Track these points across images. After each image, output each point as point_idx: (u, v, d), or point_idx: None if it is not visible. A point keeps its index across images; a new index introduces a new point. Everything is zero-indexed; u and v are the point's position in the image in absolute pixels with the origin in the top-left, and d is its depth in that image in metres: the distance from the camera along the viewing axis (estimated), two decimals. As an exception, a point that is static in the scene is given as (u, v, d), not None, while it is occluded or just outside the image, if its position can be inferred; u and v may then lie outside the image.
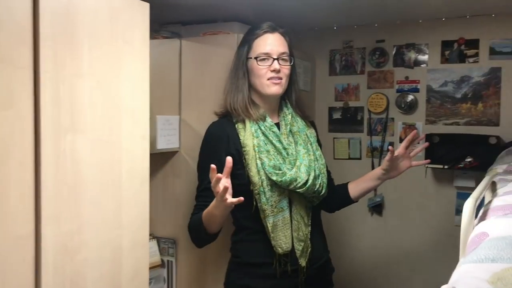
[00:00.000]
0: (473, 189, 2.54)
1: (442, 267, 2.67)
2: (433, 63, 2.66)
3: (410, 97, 2.71)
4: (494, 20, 2.48)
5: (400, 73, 2.74)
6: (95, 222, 1.42)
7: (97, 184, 1.42)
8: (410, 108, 2.72)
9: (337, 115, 2.91)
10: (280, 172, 1.68)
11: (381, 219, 2.83)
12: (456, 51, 2.59)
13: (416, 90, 2.71)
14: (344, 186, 2.00)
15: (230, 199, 1.53)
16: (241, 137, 1.74)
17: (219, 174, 1.50)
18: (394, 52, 2.76)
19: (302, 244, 1.75)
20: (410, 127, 2.73)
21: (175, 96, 2.28)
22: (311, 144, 1.85)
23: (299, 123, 1.87)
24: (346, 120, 2.88)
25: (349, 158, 2.88)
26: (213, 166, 1.52)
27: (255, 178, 1.69)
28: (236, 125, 1.78)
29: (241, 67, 1.80)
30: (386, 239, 2.82)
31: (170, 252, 2.31)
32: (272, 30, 1.79)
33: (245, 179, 1.72)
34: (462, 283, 0.75)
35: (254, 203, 1.72)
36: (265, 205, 1.69)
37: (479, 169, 2.46)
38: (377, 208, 2.83)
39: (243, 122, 1.77)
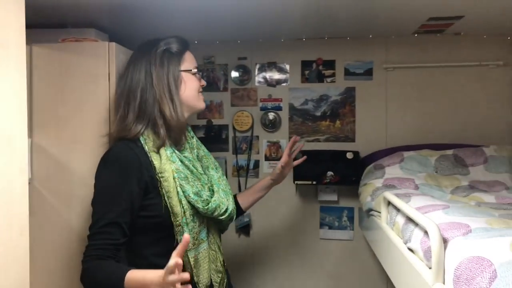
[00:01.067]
0: (335, 202, 2.71)
1: (309, 280, 2.73)
2: (294, 82, 2.73)
3: (272, 115, 2.73)
4: (348, 43, 2.66)
5: (263, 91, 2.74)
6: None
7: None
8: (274, 126, 2.73)
9: (200, 134, 2.76)
10: (203, 199, 1.54)
11: (249, 239, 2.77)
12: (315, 71, 2.71)
13: (279, 108, 2.74)
14: (235, 200, 1.95)
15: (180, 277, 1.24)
16: (155, 163, 1.53)
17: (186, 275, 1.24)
18: (256, 70, 2.75)
19: (220, 275, 1.64)
20: (274, 144, 2.74)
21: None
22: (217, 168, 1.75)
23: (203, 148, 1.78)
24: (210, 138, 2.75)
25: (214, 179, 2.75)
26: (186, 236, 1.25)
27: (176, 208, 1.50)
28: (145, 147, 1.55)
29: (173, 81, 1.61)
30: (254, 258, 2.77)
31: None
32: (189, 47, 1.74)
33: (160, 210, 1.51)
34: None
35: (178, 237, 1.52)
36: None
37: (340, 183, 2.61)
38: (244, 229, 2.76)
39: (157, 147, 1.56)
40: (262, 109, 2.74)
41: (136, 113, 1.57)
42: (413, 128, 2.65)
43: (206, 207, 1.54)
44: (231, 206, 1.66)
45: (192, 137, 1.73)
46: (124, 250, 1.54)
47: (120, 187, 1.47)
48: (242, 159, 2.76)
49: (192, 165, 1.59)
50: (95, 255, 1.44)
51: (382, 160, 2.34)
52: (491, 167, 2.17)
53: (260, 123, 2.74)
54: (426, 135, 2.62)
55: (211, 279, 1.60)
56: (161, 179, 1.51)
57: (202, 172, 1.63)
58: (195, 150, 1.70)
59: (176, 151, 1.58)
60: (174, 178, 1.51)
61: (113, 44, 1.84)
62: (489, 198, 1.76)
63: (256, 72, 2.75)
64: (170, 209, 1.50)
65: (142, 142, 1.55)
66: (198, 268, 1.55)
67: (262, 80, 2.75)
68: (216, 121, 2.77)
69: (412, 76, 2.66)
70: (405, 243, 1.47)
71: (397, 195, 1.74)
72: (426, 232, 1.29)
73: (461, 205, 1.54)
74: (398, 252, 1.50)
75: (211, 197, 1.58)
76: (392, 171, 2.21)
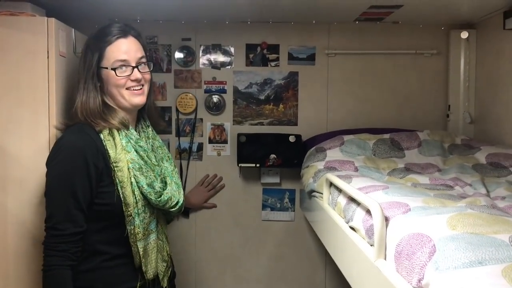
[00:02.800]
0: (278, 184, 2.76)
1: (251, 261, 2.78)
2: (239, 65, 2.73)
3: (217, 98, 2.72)
4: (292, 28, 2.69)
5: (208, 73, 2.72)
6: None
7: None
8: (218, 108, 2.72)
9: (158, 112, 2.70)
10: (156, 191, 1.56)
11: (191, 221, 2.76)
12: (259, 54, 2.72)
13: (223, 91, 2.73)
14: None
15: None
16: (111, 152, 1.51)
17: None
18: (201, 51, 2.72)
19: (165, 264, 1.68)
20: (218, 127, 2.74)
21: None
22: (170, 160, 1.77)
23: (158, 138, 1.78)
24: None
25: (157, 161, 2.71)
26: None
27: (129, 198, 1.51)
28: (101, 135, 1.53)
29: (91, 78, 1.58)
30: (196, 240, 2.77)
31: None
32: (125, 34, 1.61)
33: (113, 199, 1.51)
34: None
35: (128, 226, 1.54)
36: (138, 227, 1.55)
37: (283, 166, 2.66)
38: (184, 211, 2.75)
39: (111, 133, 1.54)
40: (206, 91, 2.72)
41: (78, 103, 1.59)
42: (352, 113, 2.74)
43: (159, 199, 1.55)
44: (182, 199, 1.68)
45: (148, 127, 1.72)
46: None
47: (78, 173, 1.45)
48: (185, 141, 2.74)
49: (147, 156, 1.58)
50: (66, 258, 1.43)
51: (324, 143, 2.41)
52: (425, 151, 2.29)
53: (204, 106, 2.72)
54: (365, 119, 2.72)
55: (158, 268, 1.65)
56: (115, 168, 1.50)
57: (156, 163, 1.62)
58: (150, 140, 1.69)
59: (132, 140, 1.56)
60: (128, 169, 1.50)
61: (53, 19, 1.76)
62: (423, 179, 1.86)
63: (201, 54, 2.72)
64: (122, 199, 1.50)
65: (95, 127, 1.57)
66: (147, 258, 1.57)
67: (206, 62, 2.72)
68: (159, 103, 2.71)
69: (352, 62, 2.74)
70: (347, 222, 1.53)
71: (339, 177, 1.80)
72: (368, 211, 1.36)
73: (399, 186, 1.62)
74: (340, 231, 1.56)
75: (164, 189, 1.59)
76: (333, 154, 2.28)
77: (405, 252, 1.04)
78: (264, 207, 2.78)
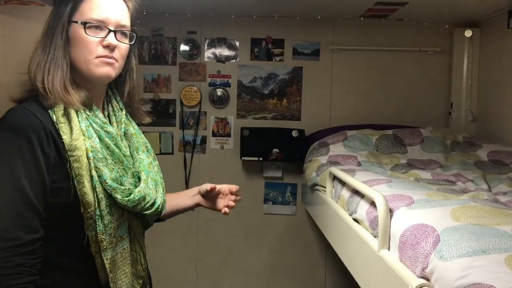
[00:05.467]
0: (280, 178, 2.78)
1: (252, 254, 2.81)
2: (244, 59, 2.74)
3: (221, 91, 2.74)
4: (297, 23, 2.71)
5: (213, 66, 2.74)
6: None
7: None
8: (222, 102, 2.74)
9: (146, 108, 2.71)
10: (124, 188, 1.22)
11: (193, 213, 2.78)
12: (264, 49, 2.74)
13: (227, 85, 2.75)
14: None
15: None
16: (64, 136, 1.17)
17: None
18: (206, 45, 2.73)
19: (141, 282, 1.34)
20: (222, 120, 2.76)
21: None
22: (148, 151, 1.38)
23: (134, 124, 1.38)
24: (156, 113, 2.72)
25: (161, 153, 2.74)
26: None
27: (89, 196, 1.18)
28: (53, 116, 1.18)
29: (61, 32, 1.20)
30: (198, 234, 2.80)
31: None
32: None
33: (69, 197, 1.17)
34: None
35: (89, 232, 1.20)
36: (103, 234, 1.21)
37: (285, 160, 2.68)
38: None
39: (66, 114, 1.19)
40: (210, 85, 2.74)
41: (37, 63, 1.19)
42: (355, 109, 2.76)
43: (127, 198, 1.21)
44: (160, 199, 1.32)
45: (121, 110, 1.34)
46: None
47: (25, 164, 1.12)
48: (189, 134, 2.76)
49: (115, 144, 1.24)
50: (25, 274, 1.09)
51: (327, 138, 2.43)
52: (427, 147, 2.31)
53: (208, 99, 2.74)
54: (367, 115, 2.74)
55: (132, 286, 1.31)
56: (70, 158, 1.16)
57: (126, 153, 1.27)
58: (123, 126, 1.32)
59: (95, 124, 1.22)
60: (88, 159, 1.18)
61: (61, 9, 1.76)
62: (425, 174, 1.88)
63: (206, 47, 2.73)
64: (80, 197, 1.18)
65: (46, 104, 1.17)
66: (116, 272, 1.25)
67: (211, 55, 2.74)
68: (163, 96, 2.73)
69: (356, 58, 2.76)
70: (351, 214, 1.55)
71: (343, 171, 1.82)
72: (372, 203, 1.38)
73: (402, 180, 1.64)
74: (343, 223, 1.59)
75: (136, 186, 1.25)
76: (336, 148, 2.30)
77: (409, 242, 1.06)
78: (266, 200, 2.80)
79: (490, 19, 2.57)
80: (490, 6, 2.43)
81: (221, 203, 1.52)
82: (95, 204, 1.19)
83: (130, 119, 1.37)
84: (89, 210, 1.18)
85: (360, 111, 2.76)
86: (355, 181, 1.54)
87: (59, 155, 1.16)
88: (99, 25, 1.20)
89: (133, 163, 1.29)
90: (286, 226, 2.81)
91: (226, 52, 2.74)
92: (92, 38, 1.19)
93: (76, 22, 1.19)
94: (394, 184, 1.51)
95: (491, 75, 2.59)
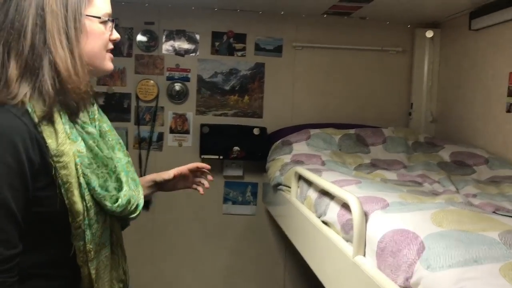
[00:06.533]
0: (240, 177, 2.70)
1: (211, 255, 2.71)
2: (204, 53, 2.64)
3: (179, 86, 2.62)
4: (260, 17, 2.63)
5: (171, 60, 2.62)
6: None
7: None
8: (180, 97, 2.62)
9: (99, 102, 2.56)
10: (112, 194, 1.15)
11: (149, 214, 2.65)
12: (225, 43, 2.64)
13: (187, 79, 2.63)
14: None
15: None
16: (49, 141, 1.08)
17: None
18: (164, 37, 2.60)
19: (122, 285, 1.28)
20: (180, 117, 2.64)
21: None
22: (122, 148, 1.29)
23: (106, 119, 1.29)
24: (110, 107, 2.57)
25: (114, 150, 2.58)
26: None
27: (78, 205, 1.09)
28: (34, 117, 1.07)
29: (73, 26, 1.11)
30: (154, 234, 2.67)
31: None
32: None
33: (55, 206, 1.09)
34: None
35: (76, 242, 1.13)
36: (90, 243, 1.14)
37: (246, 158, 2.60)
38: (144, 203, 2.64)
39: (47, 117, 1.09)
40: (168, 78, 2.62)
41: (20, 65, 1.07)
42: (317, 107, 2.72)
43: (116, 204, 1.14)
44: (141, 200, 1.24)
45: (93, 104, 1.24)
46: None
47: (7, 172, 1.03)
48: (144, 130, 2.62)
49: (97, 146, 1.16)
50: None
51: (290, 137, 2.36)
52: (390, 147, 2.30)
53: (166, 94, 2.62)
54: (329, 114, 2.70)
55: None
56: (57, 164, 1.08)
57: (109, 155, 1.19)
58: (97, 123, 1.23)
59: (77, 126, 1.13)
60: (75, 165, 1.10)
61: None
62: (391, 175, 1.85)
63: (164, 39, 2.60)
64: (68, 206, 1.10)
65: (30, 109, 1.07)
66: (99, 281, 1.19)
67: (170, 48, 2.61)
68: (117, 89, 2.58)
69: (319, 56, 2.71)
70: (319, 216, 1.49)
71: (309, 170, 1.76)
72: (343, 205, 1.32)
73: (370, 181, 1.60)
74: (311, 226, 1.52)
75: (119, 191, 1.17)
76: (300, 147, 2.24)
77: (389, 249, 1.00)
78: (225, 200, 2.71)
79: (451, 20, 2.59)
80: (451, 7, 2.44)
81: (183, 183, 1.45)
82: (84, 213, 1.10)
83: (102, 114, 1.27)
84: (78, 220, 1.10)
85: (322, 109, 2.72)
86: (324, 182, 1.47)
87: (43, 160, 1.06)
88: (111, 20, 1.16)
89: (114, 165, 1.20)
90: (246, 227, 2.73)
91: (185, 45, 2.62)
92: (107, 32, 1.15)
93: (98, 17, 1.12)
94: (364, 185, 1.46)
95: (451, 76, 2.61)
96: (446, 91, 2.65)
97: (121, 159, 1.23)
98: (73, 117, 1.11)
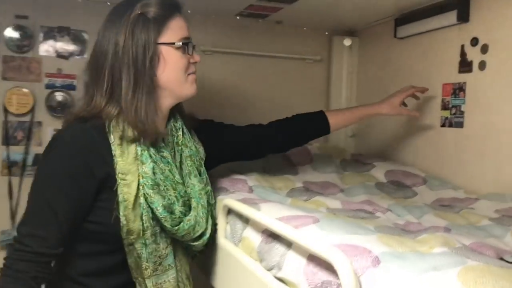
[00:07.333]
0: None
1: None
2: (94, 55, 2.15)
3: (62, 96, 2.11)
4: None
5: (51, 63, 2.09)
6: None
7: None
8: (63, 109, 2.11)
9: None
10: (175, 216, 1.22)
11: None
12: (121, 44, 2.19)
13: (72, 87, 2.13)
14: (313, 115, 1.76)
15: None
16: (119, 159, 1.18)
17: None
18: (42, 34, 2.07)
19: None
20: (64, 134, 2.12)
21: None
22: (200, 175, 1.38)
23: (191, 143, 1.38)
24: (-33, 123, 1.97)
25: (-26, 179, 1.99)
26: None
27: (133, 224, 1.17)
28: (110, 137, 1.20)
29: (142, 56, 1.20)
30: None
31: None
32: (182, 11, 1.35)
33: (107, 218, 1.18)
34: None
35: (130, 258, 1.22)
36: (147, 261, 1.20)
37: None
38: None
39: (122, 137, 1.21)
40: (48, 86, 2.09)
41: (104, 92, 1.21)
42: (231, 118, 2.33)
43: (176, 227, 1.21)
44: (210, 230, 1.32)
45: (179, 130, 1.35)
46: None
47: (71, 178, 1.15)
48: (16, 152, 2.06)
49: (169, 170, 1.25)
50: (21, 281, 1.09)
51: (204, 157, 1.98)
52: (318, 167, 2.03)
53: (45, 105, 2.09)
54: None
55: None
56: (121, 181, 1.17)
57: (180, 180, 1.28)
58: (180, 148, 1.33)
59: (153, 148, 1.23)
60: (139, 185, 1.18)
61: None
62: (333, 203, 1.57)
63: (42, 37, 2.08)
64: (124, 222, 1.16)
65: (111, 128, 1.20)
66: None
67: (50, 49, 2.09)
68: (-23, 99, 2.00)
69: (231, 62, 2.39)
70: (270, 269, 1.13)
71: (241, 201, 1.41)
72: (310, 258, 0.98)
73: (325, 216, 1.28)
74: (258, 282, 1.16)
75: (185, 215, 1.25)
76: (218, 169, 1.87)
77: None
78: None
79: (373, 27, 2.42)
80: (372, 14, 2.27)
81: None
82: (139, 232, 1.18)
83: (189, 139, 1.38)
84: (131, 237, 1.18)
85: (236, 121, 2.37)
86: (278, 224, 1.11)
87: (108, 175, 1.18)
88: (190, 42, 1.31)
89: (185, 190, 1.30)
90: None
91: (70, 46, 2.12)
92: (185, 56, 1.29)
93: (172, 43, 1.26)
94: (324, 224, 1.14)
95: (372, 88, 2.45)
96: (366, 103, 2.47)
97: (195, 185, 1.33)
98: (147, 140, 1.21)
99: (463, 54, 1.84)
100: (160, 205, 1.19)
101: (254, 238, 1.26)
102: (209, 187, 1.38)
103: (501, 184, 1.66)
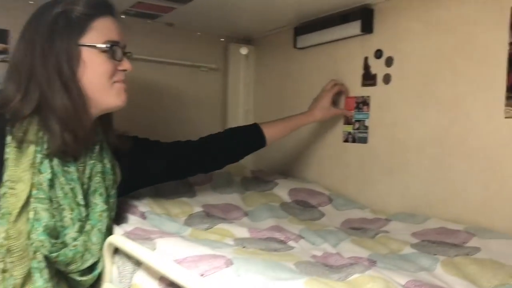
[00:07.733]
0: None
1: None
2: None
3: None
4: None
5: None
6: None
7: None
8: None
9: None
10: (59, 241, 1.05)
11: None
12: (-24, 41, 1.80)
13: None
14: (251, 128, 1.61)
15: None
16: (10, 165, 1.02)
17: None
18: None
19: None
20: None
21: None
22: (109, 197, 1.22)
23: (106, 161, 1.25)
24: None
25: None
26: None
27: (18, 241, 1.00)
28: (7, 137, 1.04)
29: (65, 59, 1.09)
30: None
31: None
32: (113, 12, 1.23)
33: None
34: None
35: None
36: None
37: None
38: None
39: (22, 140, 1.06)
40: None
41: (20, 90, 1.09)
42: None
43: (56, 254, 1.03)
44: (101, 264, 1.13)
45: (96, 144, 1.23)
46: None
47: None
48: None
49: (71, 188, 1.11)
50: None
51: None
52: (218, 186, 1.84)
53: None
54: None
55: None
56: (9, 190, 1.02)
57: (82, 202, 1.13)
58: (93, 162, 1.19)
59: (56, 159, 1.09)
60: (28, 197, 1.02)
61: None
62: (240, 231, 1.37)
63: None
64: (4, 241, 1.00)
65: (13, 129, 1.05)
66: None
67: None
68: None
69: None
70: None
71: (131, 238, 1.15)
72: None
73: (234, 253, 1.08)
74: None
75: (75, 240, 1.09)
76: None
77: None
78: None
79: (269, 36, 2.29)
80: (270, 22, 2.14)
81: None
82: (30, 254, 1.02)
83: (105, 156, 1.25)
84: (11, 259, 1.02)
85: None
86: (179, 272, 0.89)
87: None
88: (119, 47, 1.21)
89: (87, 214, 1.15)
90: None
91: None
92: (112, 62, 1.18)
93: (93, 46, 1.14)
94: (240, 267, 0.94)
95: (270, 100, 2.32)
96: (264, 117, 2.34)
97: (97, 206, 1.17)
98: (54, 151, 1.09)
99: (366, 66, 1.78)
100: (42, 224, 1.03)
101: (146, 284, 1.01)
102: (114, 213, 1.23)
103: (409, 202, 1.61)
